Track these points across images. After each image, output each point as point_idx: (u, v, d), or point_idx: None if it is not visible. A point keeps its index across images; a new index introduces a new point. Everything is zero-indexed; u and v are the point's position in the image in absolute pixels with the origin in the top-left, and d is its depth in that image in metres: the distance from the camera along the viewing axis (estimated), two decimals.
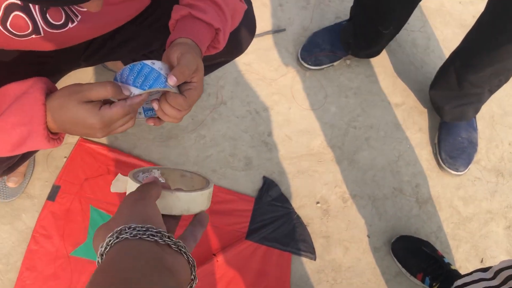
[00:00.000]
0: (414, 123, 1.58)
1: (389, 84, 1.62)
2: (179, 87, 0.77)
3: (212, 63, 1.16)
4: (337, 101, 1.57)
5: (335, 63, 1.61)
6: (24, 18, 0.77)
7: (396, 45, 1.69)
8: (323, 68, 1.60)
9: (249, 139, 1.47)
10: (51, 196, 1.29)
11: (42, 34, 0.82)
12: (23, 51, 0.90)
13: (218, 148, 1.45)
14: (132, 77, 0.70)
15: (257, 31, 1.61)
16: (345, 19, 1.61)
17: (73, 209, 1.28)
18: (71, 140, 1.37)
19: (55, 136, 0.75)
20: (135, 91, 0.70)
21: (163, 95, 0.76)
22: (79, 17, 0.84)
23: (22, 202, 1.29)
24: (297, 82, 1.58)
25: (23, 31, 0.79)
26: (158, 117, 0.81)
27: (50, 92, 0.74)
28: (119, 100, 0.71)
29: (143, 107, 0.81)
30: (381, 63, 1.65)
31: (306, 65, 1.58)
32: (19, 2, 0.74)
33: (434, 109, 1.54)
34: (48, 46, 0.89)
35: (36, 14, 0.78)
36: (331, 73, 1.61)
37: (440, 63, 1.49)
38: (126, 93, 0.71)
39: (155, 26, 1.06)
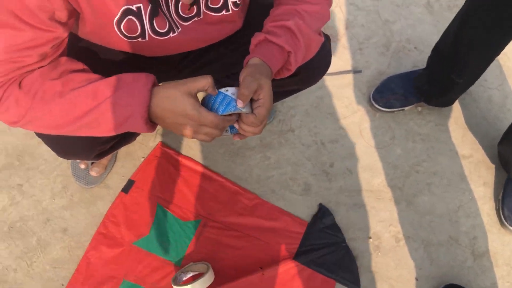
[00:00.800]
0: (480, 176, 1.56)
1: (458, 135, 1.63)
2: (252, 105, 0.88)
3: (286, 90, 1.26)
4: (403, 144, 1.60)
5: (406, 108, 1.65)
6: (136, 23, 0.92)
7: (470, 99, 1.70)
8: (393, 111, 1.65)
9: (311, 167, 1.54)
10: (125, 189, 1.43)
11: (147, 39, 0.97)
12: (129, 55, 1.06)
13: (280, 170, 1.53)
14: (211, 103, 0.83)
15: (334, 70, 1.71)
16: (422, 68, 1.66)
17: (142, 204, 1.41)
18: (151, 144, 1.52)
19: (152, 123, 0.87)
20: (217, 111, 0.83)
21: (240, 115, 0.87)
22: (180, 29, 0.98)
23: (99, 191, 1.45)
24: (366, 121, 1.64)
25: (132, 33, 0.94)
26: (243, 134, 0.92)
27: (155, 84, 0.87)
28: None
29: (229, 126, 0.92)
30: (453, 114, 1.67)
31: (377, 106, 1.64)
32: (134, 8, 0.89)
33: (501, 164, 1.52)
34: (150, 51, 1.04)
35: (145, 20, 0.93)
36: (400, 117, 1.65)
37: None
38: (216, 90, 0.84)
39: (241, 50, 1.19)
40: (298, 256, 1.37)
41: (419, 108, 1.67)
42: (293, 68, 1.01)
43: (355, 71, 1.74)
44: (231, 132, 0.91)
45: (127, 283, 1.30)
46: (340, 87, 1.70)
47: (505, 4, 1.16)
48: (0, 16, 0.77)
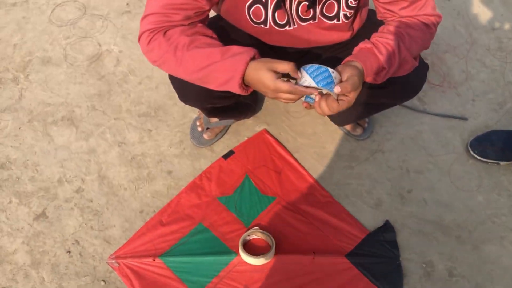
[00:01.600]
0: None
1: None
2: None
3: (376, 102, 1.41)
4: (487, 194, 1.62)
5: (501, 163, 1.67)
6: (261, 10, 1.19)
7: None
8: (487, 162, 1.68)
9: (389, 187, 1.65)
10: (225, 156, 1.70)
11: (268, 27, 1.23)
12: (253, 41, 1.33)
13: (359, 181, 1.66)
14: (315, 73, 1.03)
15: (441, 111, 1.80)
16: None
17: (234, 170, 1.66)
18: (257, 129, 1.78)
19: (245, 87, 1.12)
20: (311, 82, 1.02)
21: (325, 94, 1.07)
22: (296, 25, 1.23)
23: (205, 152, 1.74)
24: (457, 163, 1.70)
25: (257, 19, 1.21)
26: (310, 105, 1.11)
27: (254, 58, 1.12)
28: (294, 80, 1.05)
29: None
30: None
31: (472, 152, 1.69)
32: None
33: None
34: (268, 38, 1.30)
35: (269, 10, 1.19)
36: (493, 169, 1.68)
37: None
38: (299, 75, 1.05)
39: (341, 56, 1.39)
40: (350, 255, 1.49)
41: None
42: (380, 81, 1.17)
43: (461, 118, 1.81)
44: (305, 100, 1.10)
45: (201, 226, 1.55)
46: (443, 128, 1.78)
47: None
48: None
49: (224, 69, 1.07)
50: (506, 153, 1.66)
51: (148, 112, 1.84)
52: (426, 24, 1.20)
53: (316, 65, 1.04)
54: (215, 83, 1.12)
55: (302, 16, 1.21)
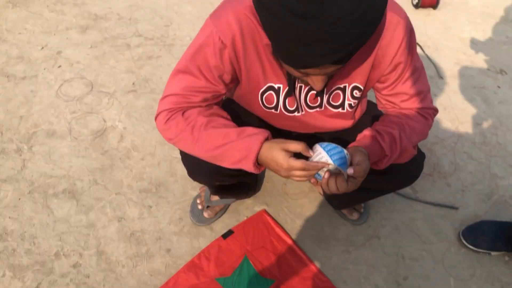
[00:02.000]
0: None
1: None
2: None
3: (376, 188, 1.48)
4: (481, 283, 1.66)
5: (492, 253, 1.72)
6: (274, 97, 1.29)
7: None
8: (479, 252, 1.73)
9: (386, 274, 1.67)
10: (225, 235, 1.72)
11: (278, 112, 1.32)
12: (262, 124, 1.42)
13: (357, 266, 1.68)
14: (332, 151, 1.10)
15: (433, 200, 1.88)
16: None
17: (233, 251, 1.67)
18: (256, 209, 1.82)
19: (258, 166, 1.18)
20: (328, 158, 1.09)
21: (333, 173, 1.13)
22: (304, 112, 1.33)
23: (204, 230, 1.75)
24: (450, 252, 1.74)
25: (269, 104, 1.30)
26: (317, 182, 1.17)
27: (268, 139, 1.19)
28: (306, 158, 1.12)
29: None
30: None
31: (464, 242, 1.74)
32: (275, 87, 1.26)
33: None
34: (277, 121, 1.39)
35: (281, 97, 1.29)
36: (485, 259, 1.72)
37: None
38: (310, 153, 1.12)
39: (343, 142, 1.47)
40: None
41: (507, 258, 1.73)
42: (382, 167, 1.26)
43: (452, 207, 1.89)
44: (314, 176, 1.14)
45: None
46: (435, 216, 1.85)
47: None
48: (190, 66, 1.19)
49: (240, 148, 1.14)
50: (497, 243, 1.71)
51: (149, 188, 1.87)
52: (424, 117, 1.31)
53: (333, 144, 1.11)
54: (229, 161, 1.17)
55: (310, 104, 1.31)
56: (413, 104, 1.30)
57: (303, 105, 1.32)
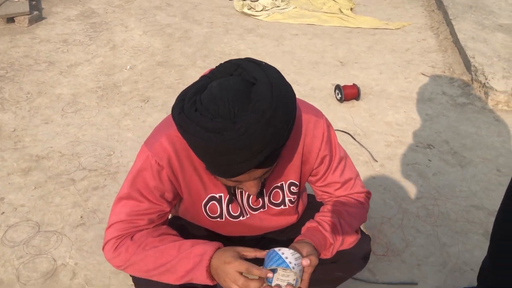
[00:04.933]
0: None
1: None
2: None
3: (331, 277, 1.51)
4: None
5: None
6: (217, 206, 1.34)
7: None
8: None
9: None
10: None
11: (224, 219, 1.37)
12: (210, 233, 1.45)
13: None
14: (266, 259, 1.15)
15: (392, 279, 1.91)
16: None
17: None
18: None
19: (211, 276, 1.19)
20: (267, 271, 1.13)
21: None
22: (248, 215, 1.38)
23: None
24: None
25: (213, 214, 1.35)
26: None
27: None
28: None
29: None
30: None
31: None
32: (217, 196, 1.32)
33: None
34: (224, 229, 1.42)
35: (224, 205, 1.34)
36: None
37: None
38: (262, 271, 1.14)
39: (290, 236, 1.52)
40: None
41: None
42: (329, 255, 1.31)
43: (411, 283, 1.92)
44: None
45: None
46: None
47: None
48: (131, 192, 1.24)
49: (193, 255, 1.17)
50: None
51: None
52: (359, 201, 1.40)
53: (269, 251, 1.16)
54: (182, 270, 1.18)
55: (253, 206, 1.37)
56: (345, 191, 1.40)
57: (247, 209, 1.38)
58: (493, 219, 1.56)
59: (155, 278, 1.24)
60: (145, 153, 1.25)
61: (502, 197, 1.51)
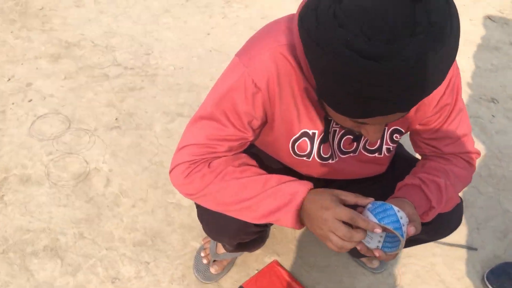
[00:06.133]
0: None
1: None
2: None
3: (414, 238, 1.35)
4: None
5: None
6: (307, 144, 1.13)
7: None
8: None
9: None
10: None
11: (311, 160, 1.16)
12: (285, 168, 1.26)
13: None
14: (377, 210, 0.94)
15: (450, 240, 1.77)
16: None
17: None
18: (267, 260, 1.64)
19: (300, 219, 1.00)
20: (374, 220, 0.92)
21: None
22: (338, 158, 1.18)
23: None
24: None
25: (301, 152, 1.14)
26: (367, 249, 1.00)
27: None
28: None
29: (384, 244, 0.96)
30: None
31: (490, 286, 1.63)
32: (310, 133, 1.10)
33: None
34: (306, 169, 1.22)
35: (315, 144, 1.13)
36: None
37: None
38: (363, 210, 0.96)
39: (370, 191, 1.33)
40: None
41: None
42: (428, 219, 1.12)
43: (471, 248, 1.78)
44: (381, 248, 0.94)
45: None
46: (454, 258, 1.74)
47: None
48: (215, 112, 1.02)
49: (281, 193, 0.99)
50: None
51: (144, 240, 1.65)
52: (468, 162, 1.20)
53: (380, 202, 0.95)
54: (264, 210, 1.00)
55: (344, 149, 1.16)
56: (456, 149, 1.19)
57: (336, 151, 1.17)
58: None
59: (230, 214, 1.06)
60: (240, 69, 1.00)
61: None
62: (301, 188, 1.00)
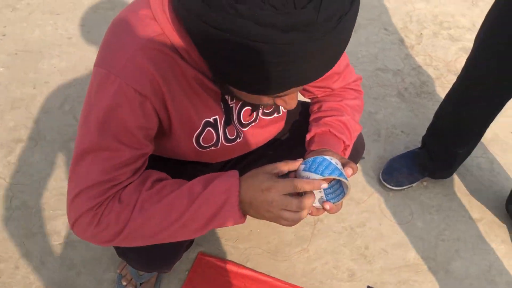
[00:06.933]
0: (496, 235, 1.70)
1: (465, 202, 1.79)
2: None
3: None
4: (422, 218, 1.72)
5: (413, 185, 1.80)
6: (212, 133, 1.02)
7: (463, 169, 1.89)
8: (403, 189, 1.79)
9: (349, 253, 1.60)
10: None
11: (219, 147, 1.05)
12: (192, 164, 1.13)
13: (321, 260, 1.57)
14: (313, 167, 0.89)
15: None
16: (415, 148, 1.84)
17: None
18: (192, 256, 1.53)
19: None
20: (316, 177, 0.87)
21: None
22: (242, 135, 1.09)
23: None
24: (383, 201, 1.76)
25: (208, 143, 1.03)
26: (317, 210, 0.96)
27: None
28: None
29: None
30: (454, 184, 1.84)
31: (388, 186, 1.78)
32: (211, 120, 0.98)
33: None
34: (212, 157, 1.11)
35: (219, 130, 1.02)
36: (411, 193, 1.79)
37: (506, 183, 1.67)
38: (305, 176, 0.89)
39: (279, 149, 1.30)
40: None
41: (425, 183, 1.83)
42: (346, 158, 1.13)
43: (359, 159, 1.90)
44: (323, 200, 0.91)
45: None
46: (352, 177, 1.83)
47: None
48: (101, 141, 0.83)
49: (214, 194, 0.86)
50: (414, 174, 1.79)
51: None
52: (356, 90, 1.21)
53: (311, 158, 0.90)
54: (202, 220, 0.87)
55: (244, 122, 1.08)
56: (343, 82, 1.20)
57: (238, 128, 1.08)
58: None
59: (164, 241, 0.91)
60: (114, 81, 0.82)
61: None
62: (231, 180, 0.88)
